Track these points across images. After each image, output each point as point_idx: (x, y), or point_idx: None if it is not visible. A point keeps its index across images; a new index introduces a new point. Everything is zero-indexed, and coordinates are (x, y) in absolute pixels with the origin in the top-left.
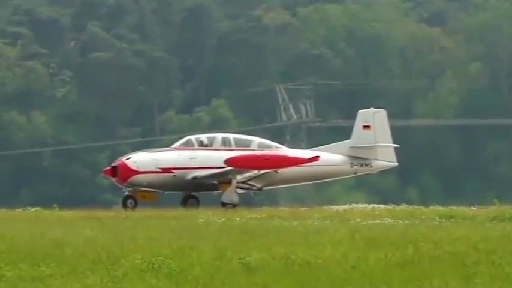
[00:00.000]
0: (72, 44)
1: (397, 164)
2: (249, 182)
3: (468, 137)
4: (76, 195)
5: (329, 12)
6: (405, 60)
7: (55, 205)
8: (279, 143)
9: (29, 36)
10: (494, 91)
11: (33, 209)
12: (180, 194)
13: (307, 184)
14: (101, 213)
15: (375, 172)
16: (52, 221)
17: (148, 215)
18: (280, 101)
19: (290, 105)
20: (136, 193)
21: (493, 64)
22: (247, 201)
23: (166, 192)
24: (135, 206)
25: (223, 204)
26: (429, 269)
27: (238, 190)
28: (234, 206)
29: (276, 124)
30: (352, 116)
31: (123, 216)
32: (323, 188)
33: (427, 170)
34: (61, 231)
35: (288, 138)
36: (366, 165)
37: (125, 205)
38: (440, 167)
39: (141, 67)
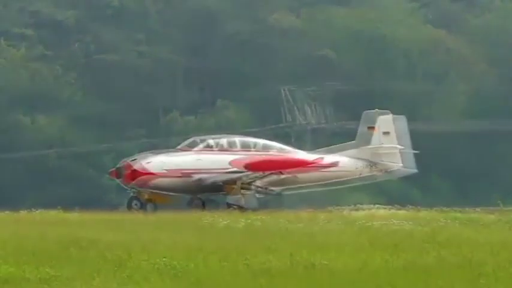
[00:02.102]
0: (77, 45)
1: (416, 170)
2: (268, 187)
3: (474, 140)
4: (82, 197)
5: (334, 13)
6: (411, 62)
7: (59, 207)
8: (285, 145)
9: (34, 37)
10: (501, 92)
11: (38, 211)
12: (186, 196)
13: (325, 189)
14: (107, 215)
15: (395, 178)
16: (57, 223)
17: (154, 217)
18: (285, 102)
19: (295, 107)
20: (141, 194)
21: (499, 65)
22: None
23: (172, 194)
24: (140, 207)
25: (229, 206)
26: (434, 271)
27: (257, 195)
28: (246, 209)
29: (281, 126)
30: (357, 118)
31: (129, 217)
32: (332, 190)
33: (434, 172)
34: (66, 233)
35: (292, 140)
36: (381, 169)
37: (130, 206)
38: (447, 169)
39: (146, 68)
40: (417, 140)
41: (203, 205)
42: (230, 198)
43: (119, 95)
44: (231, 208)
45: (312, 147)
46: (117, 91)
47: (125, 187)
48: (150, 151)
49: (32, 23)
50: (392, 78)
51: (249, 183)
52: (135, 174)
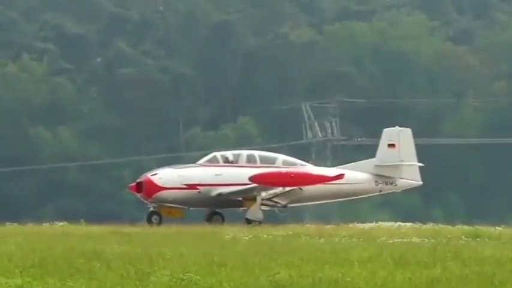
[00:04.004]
0: (99, 60)
1: (421, 182)
2: (274, 199)
3: (493, 156)
4: (101, 211)
5: (355, 29)
6: (431, 79)
7: (82, 220)
8: (304, 161)
9: (56, 51)
10: None
11: (61, 224)
12: (204, 211)
13: (332, 202)
14: (128, 229)
15: (399, 190)
16: (79, 235)
17: (175, 231)
18: (306, 118)
19: (315, 123)
20: (161, 209)
21: None
22: (271, 218)
23: (191, 209)
24: (160, 221)
25: (248, 221)
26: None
27: (263, 207)
28: (260, 222)
29: (301, 142)
30: (377, 134)
31: (150, 231)
32: (348, 206)
33: (452, 188)
34: (89, 246)
35: (313, 155)
36: (391, 183)
37: (150, 221)
38: (465, 185)
39: (166, 83)
40: (437, 156)
41: (223, 220)
42: (249, 214)
43: (139, 109)
44: (251, 224)
45: (333, 163)
46: (137, 105)
47: (145, 201)
48: (170, 165)
49: (54, 37)
50: (412, 95)
51: (269, 199)
52: (155, 188)
